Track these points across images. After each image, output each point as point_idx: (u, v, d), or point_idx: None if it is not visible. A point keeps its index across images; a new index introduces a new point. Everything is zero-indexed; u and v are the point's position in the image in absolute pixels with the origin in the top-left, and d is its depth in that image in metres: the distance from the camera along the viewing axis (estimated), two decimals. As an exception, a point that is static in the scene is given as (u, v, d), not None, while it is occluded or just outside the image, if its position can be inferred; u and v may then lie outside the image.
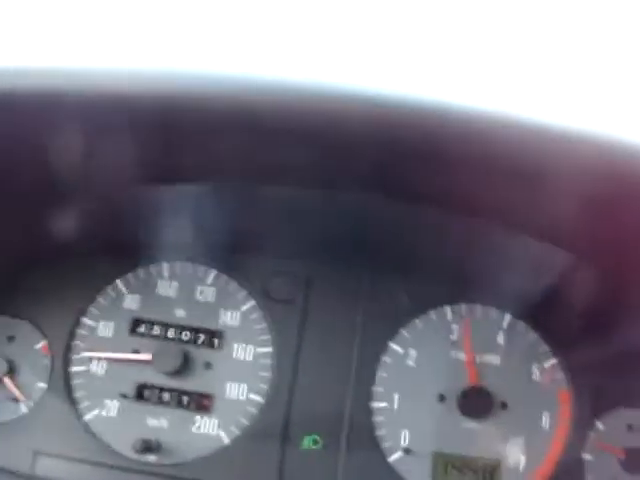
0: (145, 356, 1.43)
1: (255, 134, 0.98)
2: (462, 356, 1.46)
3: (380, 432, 1.41)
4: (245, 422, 1.41)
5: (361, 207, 1.25)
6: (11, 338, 1.46)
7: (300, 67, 0.88)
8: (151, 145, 1.09)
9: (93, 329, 1.46)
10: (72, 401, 1.42)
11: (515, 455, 1.41)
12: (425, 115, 0.87)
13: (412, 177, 1.07)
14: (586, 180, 0.91)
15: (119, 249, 1.48)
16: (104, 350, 1.45)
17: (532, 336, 1.48)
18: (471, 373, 1.44)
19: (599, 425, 1.44)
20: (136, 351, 1.44)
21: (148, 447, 1.35)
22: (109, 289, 1.49)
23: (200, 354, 1.44)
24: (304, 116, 0.91)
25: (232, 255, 1.49)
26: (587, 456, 1.42)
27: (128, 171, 1.19)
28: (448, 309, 1.48)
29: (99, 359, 1.44)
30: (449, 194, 1.11)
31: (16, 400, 1.43)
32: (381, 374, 1.44)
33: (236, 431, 1.40)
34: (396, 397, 1.43)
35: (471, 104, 0.86)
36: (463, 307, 1.49)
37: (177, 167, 1.18)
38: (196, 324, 1.46)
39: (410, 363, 1.45)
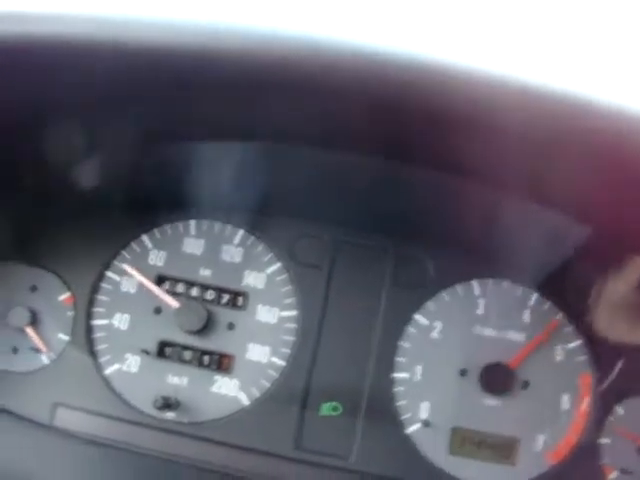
0: (173, 302, 1.42)
1: (279, 94, 0.96)
2: (487, 332, 1.45)
3: (400, 403, 1.41)
4: (266, 385, 1.41)
5: (391, 175, 1.24)
6: (34, 288, 1.46)
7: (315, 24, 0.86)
8: (181, 102, 1.07)
9: (117, 284, 1.46)
10: (93, 354, 1.43)
11: (533, 434, 1.41)
12: (453, 82, 0.86)
13: (439, 145, 1.05)
14: (600, 149, 0.89)
15: (147, 205, 1.47)
16: (126, 307, 1.44)
17: (558, 316, 1.46)
18: (518, 357, 1.43)
19: (619, 410, 1.43)
20: (159, 309, 1.44)
21: (167, 404, 1.35)
22: (134, 244, 1.48)
23: (223, 314, 1.44)
24: (328, 74, 0.89)
25: (260, 216, 1.48)
26: (604, 440, 1.41)
27: (160, 126, 1.18)
28: (475, 283, 1.47)
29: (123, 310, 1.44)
30: (477, 165, 1.10)
31: (38, 350, 1.43)
32: (404, 345, 1.43)
33: (256, 393, 1.40)
34: (418, 369, 1.43)
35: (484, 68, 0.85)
36: (490, 282, 1.47)
37: (206, 125, 1.17)
38: (221, 284, 1.46)
39: (434, 335, 1.44)
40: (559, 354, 1.44)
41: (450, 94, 0.88)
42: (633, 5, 0.92)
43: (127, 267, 1.46)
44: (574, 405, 1.42)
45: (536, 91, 0.84)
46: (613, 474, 1.39)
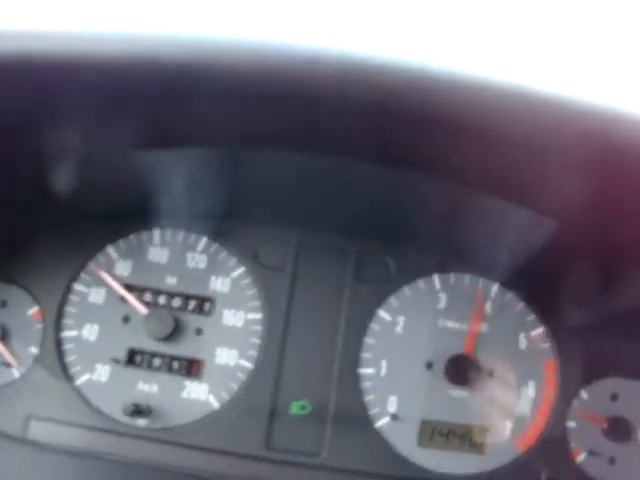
0: (142, 309, 1.44)
1: (245, 100, 0.98)
2: (450, 324, 1.47)
3: (367, 398, 1.43)
4: (235, 387, 1.42)
5: (349, 174, 1.25)
6: (4, 303, 1.47)
7: (291, 30, 0.88)
8: (144, 111, 1.09)
9: (84, 295, 1.47)
10: (63, 366, 1.44)
11: (501, 423, 1.43)
12: (415, 79, 0.88)
13: (399, 142, 1.07)
14: (568, 147, 0.91)
15: (111, 215, 1.49)
16: (95, 317, 1.46)
17: (519, 305, 1.49)
18: (469, 342, 1.45)
19: (584, 394, 1.45)
20: (127, 318, 1.46)
21: (138, 411, 1.37)
22: (100, 255, 1.49)
23: (191, 320, 1.46)
24: (291, 81, 0.91)
25: (223, 222, 1.50)
26: (571, 424, 1.44)
27: (121, 137, 1.19)
28: (437, 278, 1.49)
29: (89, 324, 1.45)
30: (436, 160, 1.12)
31: (8, 365, 1.44)
32: (369, 341, 1.46)
33: (226, 396, 1.42)
34: (384, 364, 1.45)
35: (458, 68, 0.87)
36: (452, 276, 1.50)
37: (168, 133, 1.18)
38: (187, 290, 1.47)
39: (398, 330, 1.46)
40: (522, 342, 1.47)
41: (414, 92, 0.90)
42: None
43: (102, 274, 1.47)
44: (540, 392, 1.45)
45: (504, 89, 0.87)
46: (581, 456, 1.42)
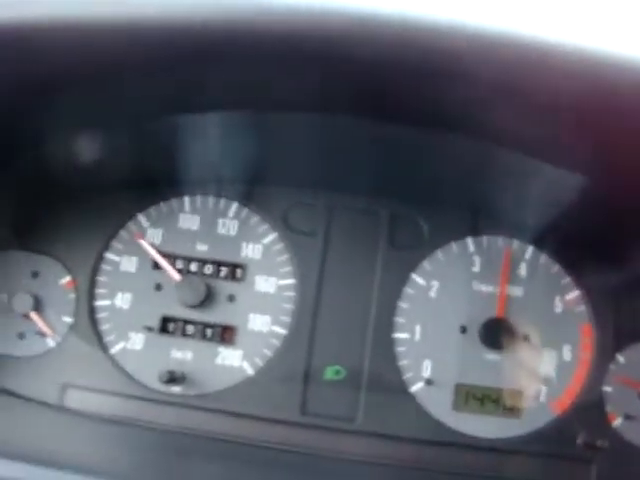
0: (175, 275, 1.45)
1: (275, 61, 0.97)
2: (484, 288, 1.46)
3: (402, 363, 1.42)
4: (268, 354, 1.43)
5: (380, 135, 1.23)
6: (35, 274, 1.48)
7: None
8: (168, 77, 1.07)
9: (116, 264, 1.48)
10: (98, 335, 1.45)
11: (536, 386, 1.42)
12: (430, 33, 0.86)
13: (425, 100, 1.05)
14: (588, 97, 0.90)
15: (141, 183, 1.49)
16: (127, 286, 1.46)
17: (554, 268, 1.47)
18: (500, 305, 1.44)
19: (620, 358, 1.44)
20: (159, 286, 1.46)
21: (173, 378, 1.37)
22: (131, 224, 1.49)
23: (223, 287, 1.46)
24: (307, 38, 0.90)
25: (253, 187, 1.49)
26: (607, 388, 1.43)
27: (149, 102, 1.18)
28: (470, 241, 1.48)
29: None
30: (463, 118, 1.10)
31: (43, 335, 1.45)
32: (403, 305, 1.45)
33: (260, 363, 1.42)
34: (418, 328, 1.44)
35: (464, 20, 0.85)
36: (485, 239, 1.48)
37: (197, 97, 1.17)
38: (218, 257, 1.47)
39: (432, 295, 1.46)
40: (558, 306, 1.45)
41: (432, 48, 0.88)
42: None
43: (140, 240, 1.47)
44: (575, 355, 1.44)
45: (517, 42, 0.85)
46: (617, 420, 1.41)
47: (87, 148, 1.32)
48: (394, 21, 0.86)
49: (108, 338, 1.45)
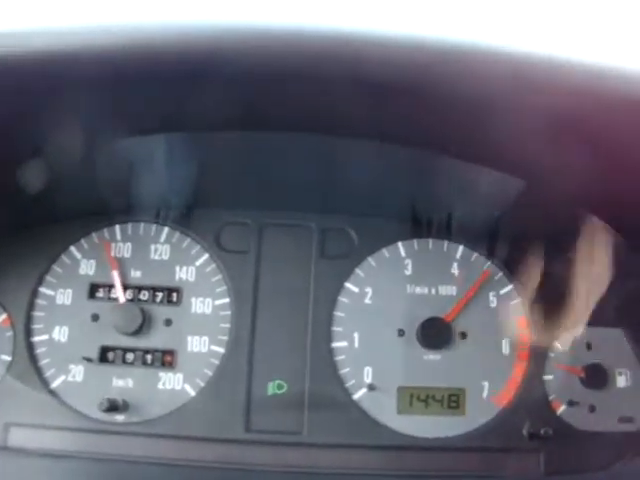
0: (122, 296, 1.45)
1: (199, 83, 0.98)
2: (418, 290, 1.48)
3: (343, 371, 1.43)
4: (209, 373, 1.42)
5: (305, 148, 1.26)
6: (-29, 314, 1.47)
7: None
8: (107, 100, 1.08)
9: (52, 298, 1.47)
10: (38, 370, 1.43)
11: (477, 382, 1.44)
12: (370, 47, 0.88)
13: (355, 112, 1.07)
14: (528, 104, 0.92)
15: (70, 216, 1.48)
16: (64, 319, 1.46)
17: (486, 265, 1.49)
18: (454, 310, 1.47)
19: (558, 346, 1.46)
20: (96, 316, 1.45)
21: (114, 406, 1.36)
22: (64, 256, 1.49)
23: (160, 312, 1.46)
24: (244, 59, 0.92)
25: (183, 211, 1.50)
26: (548, 377, 1.45)
27: (79, 130, 1.18)
28: (400, 245, 1.49)
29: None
30: (393, 126, 1.12)
31: (-18, 375, 1.43)
32: (339, 314, 1.46)
33: (201, 383, 1.42)
34: (356, 335, 1.45)
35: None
36: (415, 242, 1.50)
37: (129, 121, 1.18)
38: (153, 283, 1.47)
39: (367, 301, 1.47)
40: (492, 301, 1.48)
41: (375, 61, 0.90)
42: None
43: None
44: (514, 348, 1.46)
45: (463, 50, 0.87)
46: (561, 408, 1.44)
47: (18, 182, 1.31)
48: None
49: (48, 373, 1.43)
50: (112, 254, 1.49)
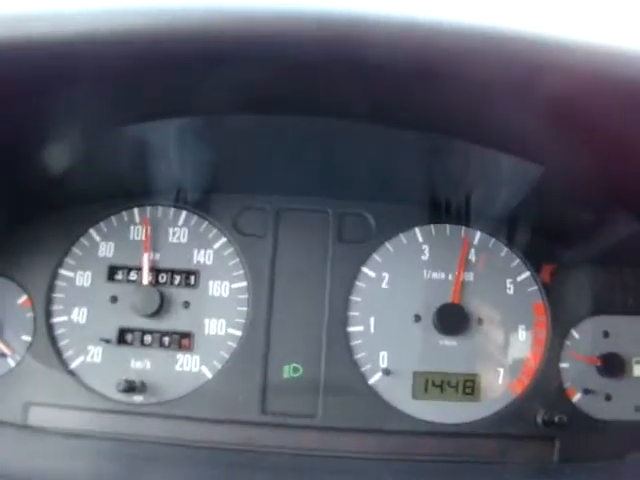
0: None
1: (221, 65, 0.98)
2: (435, 275, 1.48)
3: (358, 356, 1.44)
4: (226, 356, 1.44)
5: (322, 132, 1.25)
6: (-8, 295, 1.49)
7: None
8: (120, 85, 1.08)
9: (71, 280, 1.48)
10: (57, 351, 1.45)
11: (493, 369, 1.44)
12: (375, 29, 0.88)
13: (370, 96, 1.07)
14: (544, 88, 0.91)
15: (90, 199, 1.49)
16: (83, 301, 1.47)
17: (504, 251, 1.49)
18: (455, 291, 1.46)
19: (575, 334, 1.46)
20: (115, 298, 1.47)
21: (132, 387, 1.38)
22: (83, 239, 1.50)
23: (177, 294, 1.47)
24: (262, 41, 0.91)
25: (201, 195, 1.50)
26: (564, 365, 1.44)
27: (97, 113, 1.19)
28: (418, 231, 1.49)
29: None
30: (408, 110, 1.11)
31: (3, 355, 1.46)
32: (355, 299, 1.46)
33: (218, 366, 1.43)
34: (372, 320, 1.46)
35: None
36: (432, 228, 1.50)
37: (145, 105, 1.18)
38: (171, 265, 1.48)
39: (384, 286, 1.47)
40: (509, 288, 1.47)
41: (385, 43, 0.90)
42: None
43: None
44: (530, 335, 1.46)
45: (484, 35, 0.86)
46: (577, 396, 1.43)
47: (38, 165, 1.32)
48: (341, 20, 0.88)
49: (67, 353, 1.45)
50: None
